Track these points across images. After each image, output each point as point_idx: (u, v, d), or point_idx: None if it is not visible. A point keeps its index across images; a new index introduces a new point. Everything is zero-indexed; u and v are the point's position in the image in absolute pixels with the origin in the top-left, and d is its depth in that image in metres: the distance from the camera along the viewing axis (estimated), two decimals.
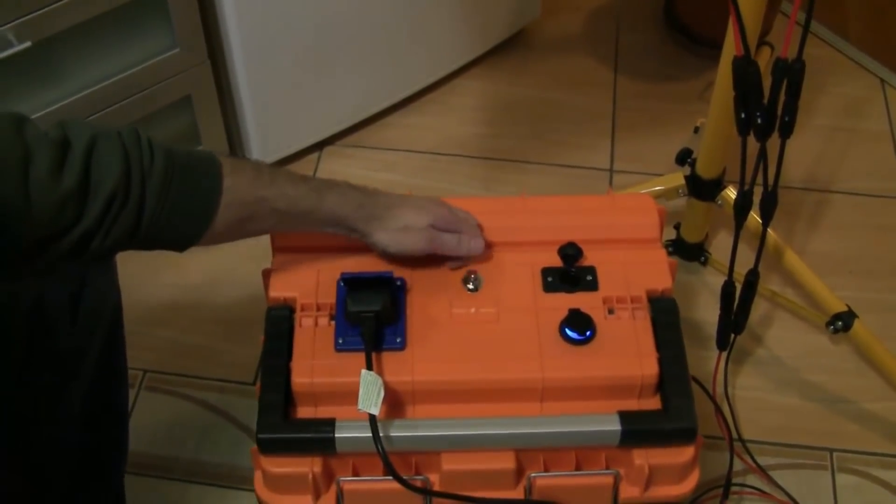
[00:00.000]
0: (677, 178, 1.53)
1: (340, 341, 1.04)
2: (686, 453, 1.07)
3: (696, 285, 1.63)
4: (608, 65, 2.02)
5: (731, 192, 1.49)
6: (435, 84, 1.92)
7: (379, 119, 1.88)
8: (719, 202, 1.51)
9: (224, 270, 1.64)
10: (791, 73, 1.08)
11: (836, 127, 1.93)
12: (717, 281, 1.30)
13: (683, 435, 1.06)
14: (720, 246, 1.67)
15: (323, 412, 1.02)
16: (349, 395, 0.98)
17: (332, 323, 1.05)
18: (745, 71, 1.09)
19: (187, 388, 1.52)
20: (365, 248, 1.08)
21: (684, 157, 1.52)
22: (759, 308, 1.58)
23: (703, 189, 1.51)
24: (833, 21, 2.08)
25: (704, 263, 1.66)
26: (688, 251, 1.64)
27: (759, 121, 1.09)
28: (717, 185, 1.50)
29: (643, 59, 2.04)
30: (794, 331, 1.60)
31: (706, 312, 1.57)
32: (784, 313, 1.62)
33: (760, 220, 1.15)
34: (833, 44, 2.08)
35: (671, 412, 1.05)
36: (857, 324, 1.49)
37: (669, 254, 1.57)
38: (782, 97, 1.08)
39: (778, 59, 1.07)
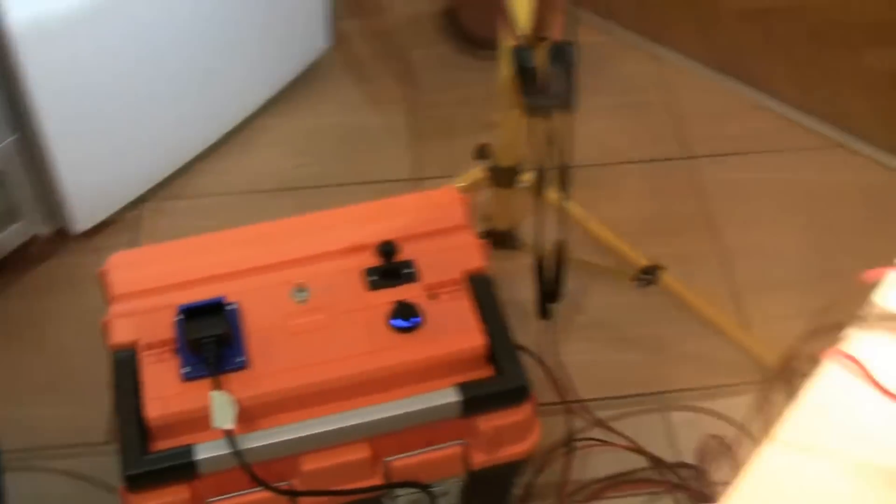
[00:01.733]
0: (479, 173, 1.64)
1: (186, 370, 1.09)
2: (523, 411, 1.17)
3: (514, 269, 1.73)
4: (402, 81, 2.13)
5: (529, 178, 1.61)
6: (240, 126, 1.98)
7: (192, 168, 1.92)
8: (522, 186, 1.62)
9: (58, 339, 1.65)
10: (565, 53, 1.20)
11: (619, 104, 2.09)
12: (530, 263, 1.40)
13: (517, 394, 1.15)
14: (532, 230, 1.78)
15: (182, 441, 1.07)
16: (204, 419, 1.04)
17: (177, 356, 1.10)
18: (522, 56, 1.21)
19: (44, 461, 1.52)
20: (201, 280, 1.14)
21: (482, 152, 1.63)
22: (575, 278, 1.70)
23: (503, 177, 1.62)
24: (602, 8, 2.25)
25: (518, 248, 1.77)
26: (501, 240, 1.75)
27: (541, 101, 1.21)
28: (515, 172, 1.61)
29: (435, 71, 2.16)
30: (611, 294, 1.74)
31: (529, 292, 1.68)
32: (599, 280, 1.75)
33: (561, 199, 1.27)
34: (606, 31, 2.25)
35: (503, 376, 1.14)
36: (664, 276, 1.63)
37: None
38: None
39: (552, 43, 1.19)
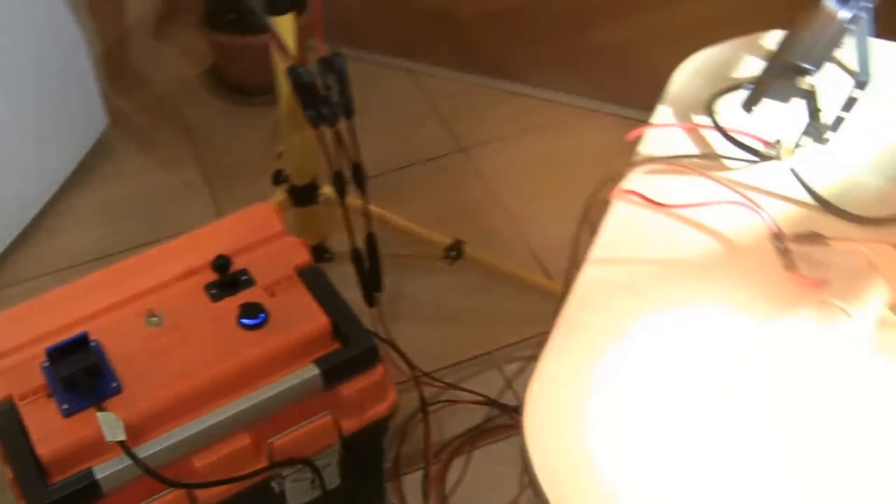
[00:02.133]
0: (279, 198, 1.78)
1: (65, 407, 1.17)
2: (377, 372, 1.31)
3: (333, 279, 1.88)
4: (188, 140, 2.25)
5: (328, 190, 1.77)
6: (43, 212, 2.05)
7: (6, 260, 1.97)
8: (322, 200, 1.77)
9: None
10: (334, 64, 1.37)
11: (387, 120, 2.29)
12: (346, 270, 1.56)
13: (369, 357, 1.30)
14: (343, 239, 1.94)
15: (79, 470, 1.15)
16: (94, 445, 1.13)
17: (52, 398, 1.19)
18: (297, 74, 1.37)
19: None
20: (59, 329, 1.23)
21: (278, 177, 1.77)
22: (392, 271, 1.86)
23: (303, 196, 1.77)
24: (352, 39, 2.45)
25: (330, 260, 1.91)
26: (314, 255, 1.89)
27: (323, 111, 1.38)
28: (313, 188, 1.77)
29: (215, 124, 2.30)
30: (426, 278, 1.91)
31: (353, 293, 1.84)
32: (412, 268, 1.93)
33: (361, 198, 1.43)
34: (359, 59, 2.44)
35: (353, 343, 1.29)
36: (467, 249, 1.82)
37: None
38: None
39: (320, 57, 1.36)
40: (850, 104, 0.97)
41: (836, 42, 0.92)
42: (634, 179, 0.90)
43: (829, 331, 0.71)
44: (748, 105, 0.95)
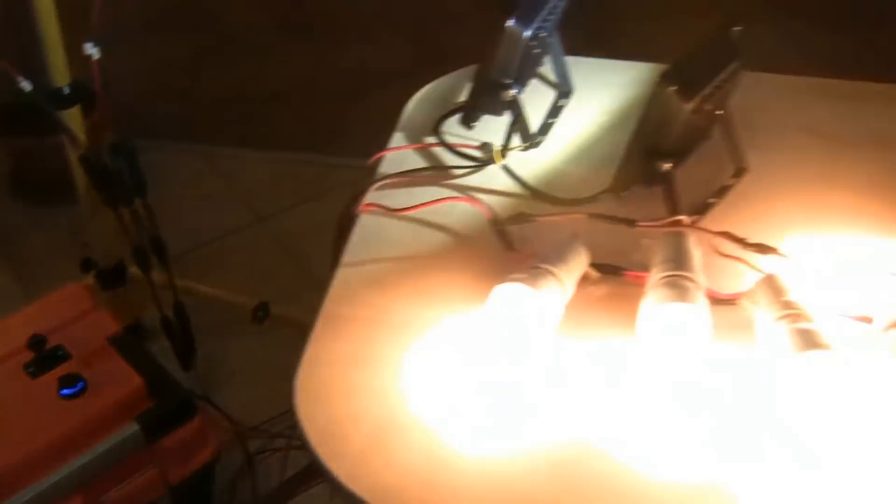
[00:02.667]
0: (88, 283, 1.87)
1: None
2: (196, 422, 1.43)
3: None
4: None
5: (135, 269, 1.87)
6: None
7: None
8: (131, 279, 1.88)
9: None
10: (124, 148, 1.50)
11: (190, 199, 2.42)
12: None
13: (186, 410, 1.42)
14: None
15: None
16: None
17: None
18: (90, 161, 1.49)
19: None
20: None
21: (86, 264, 1.87)
22: (208, 338, 1.97)
23: (111, 278, 1.87)
24: (150, 130, 2.56)
25: (149, 338, 2.00)
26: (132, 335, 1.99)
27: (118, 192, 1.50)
28: (121, 269, 1.87)
29: (21, 226, 2.36)
30: (241, 340, 2.03)
31: (174, 367, 1.93)
32: (227, 334, 2.05)
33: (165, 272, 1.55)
34: (161, 146, 2.56)
35: (168, 400, 1.40)
36: (272, 308, 1.95)
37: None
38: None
39: (110, 143, 1.48)
40: (556, 111, 1.19)
41: (534, 60, 1.13)
42: (374, 195, 1.08)
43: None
44: (466, 122, 1.14)
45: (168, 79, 2.55)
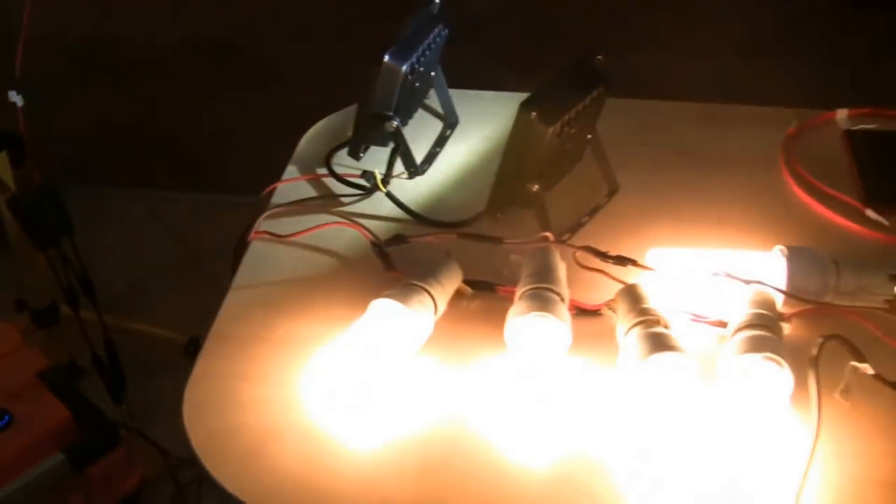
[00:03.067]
0: (22, 324, 1.93)
1: None
2: (121, 452, 1.49)
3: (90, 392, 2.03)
4: None
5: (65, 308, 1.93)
6: None
7: None
8: (63, 318, 1.93)
9: None
10: (49, 192, 1.55)
11: (125, 241, 2.48)
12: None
13: (110, 438, 1.48)
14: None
15: None
16: None
17: None
18: (17, 204, 1.55)
19: None
20: None
21: (20, 305, 1.93)
22: (142, 374, 2.02)
23: (44, 317, 1.92)
24: (86, 177, 2.63)
25: (83, 376, 2.04)
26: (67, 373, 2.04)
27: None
28: (54, 309, 1.92)
29: None
30: (175, 376, 2.08)
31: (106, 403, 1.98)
32: (161, 370, 2.09)
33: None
34: (98, 192, 2.62)
35: (93, 430, 1.46)
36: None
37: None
38: None
39: (37, 186, 1.54)
40: (441, 141, 1.27)
41: (416, 93, 1.21)
42: (267, 224, 1.16)
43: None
44: (352, 154, 1.22)
45: (106, 125, 2.61)
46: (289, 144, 1.28)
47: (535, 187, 1.09)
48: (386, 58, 1.11)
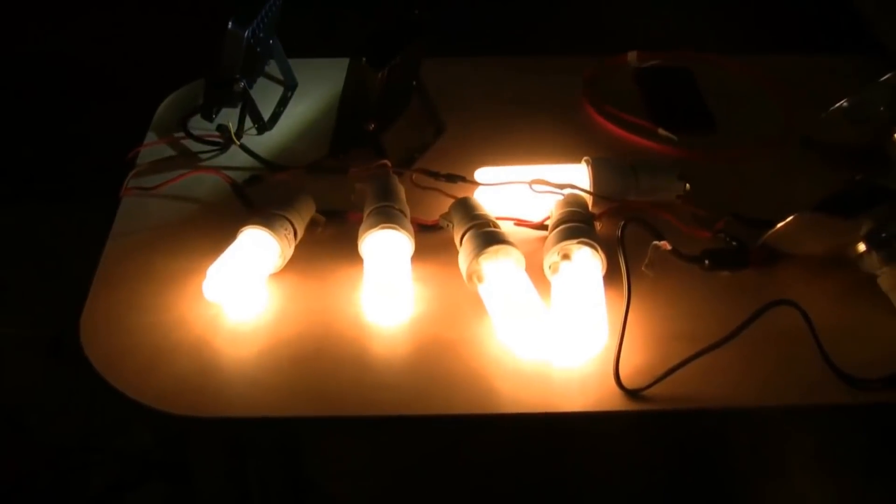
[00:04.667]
0: None
1: None
2: None
3: None
4: None
5: None
6: None
7: None
8: None
9: None
10: None
11: None
12: None
13: None
14: None
15: None
16: None
17: None
18: None
19: None
20: None
21: None
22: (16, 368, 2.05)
23: None
24: None
25: None
26: None
27: None
28: None
29: None
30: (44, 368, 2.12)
31: None
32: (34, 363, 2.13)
33: None
34: None
35: None
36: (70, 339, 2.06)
37: None
38: None
39: None
40: (283, 102, 1.40)
41: (258, 57, 1.34)
42: (133, 183, 1.27)
43: None
44: (206, 116, 1.33)
45: None
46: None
47: (371, 126, 1.24)
48: (230, 24, 1.23)
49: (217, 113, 1.32)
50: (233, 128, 1.30)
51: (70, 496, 1.90)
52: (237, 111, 1.32)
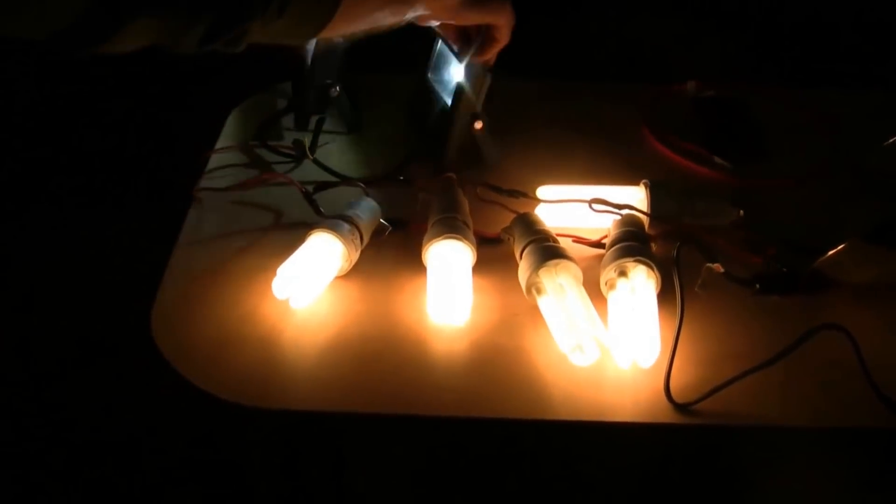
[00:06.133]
0: None
1: None
2: None
3: None
4: None
5: None
6: None
7: None
8: None
9: None
10: None
11: None
12: None
13: None
14: None
15: None
16: None
17: None
18: None
19: None
20: None
21: None
22: None
23: None
24: None
25: None
26: None
27: None
28: None
29: None
30: None
31: None
32: None
33: None
34: None
35: None
36: None
37: None
38: None
39: None
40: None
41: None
42: (208, 181, 1.33)
43: None
44: (301, 122, 1.42)
45: None
46: None
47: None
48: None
49: (309, 119, 1.40)
50: (307, 142, 1.36)
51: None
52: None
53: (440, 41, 1.34)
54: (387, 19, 1.02)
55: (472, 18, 1.14)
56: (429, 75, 1.38)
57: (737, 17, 1.81)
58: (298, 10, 0.87)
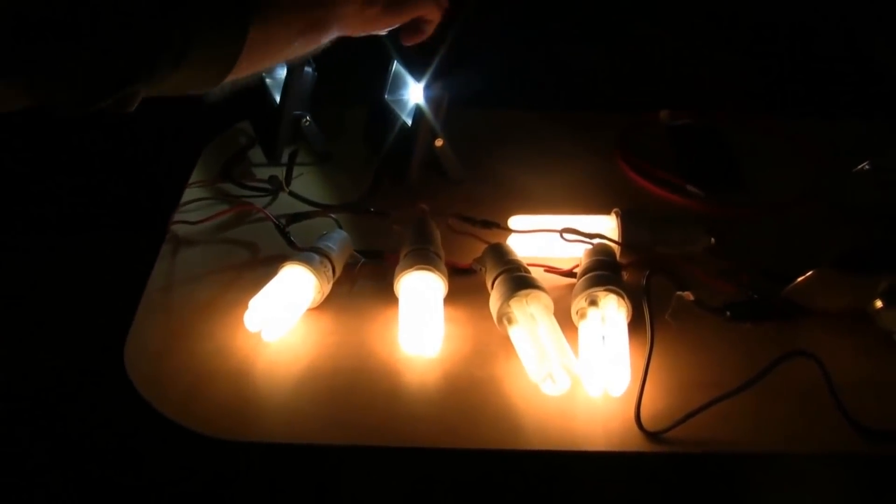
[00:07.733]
0: None
1: None
2: None
3: None
4: None
5: None
6: None
7: None
8: None
9: None
10: None
11: None
12: None
13: None
14: None
15: None
16: None
17: None
18: None
19: None
20: None
21: None
22: None
23: None
24: None
25: None
26: None
27: None
28: None
29: None
30: None
31: None
32: None
33: None
34: None
35: None
36: None
37: None
38: None
39: None
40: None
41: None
42: (181, 215, 1.34)
43: None
44: (271, 153, 1.43)
45: None
46: None
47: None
48: (307, 68, 1.36)
49: (281, 151, 1.41)
50: (282, 175, 1.37)
51: None
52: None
53: (395, 62, 1.36)
54: (301, 49, 0.98)
55: (396, 20, 1.10)
56: (386, 96, 1.39)
57: (711, 46, 1.82)
58: (198, 60, 0.83)
